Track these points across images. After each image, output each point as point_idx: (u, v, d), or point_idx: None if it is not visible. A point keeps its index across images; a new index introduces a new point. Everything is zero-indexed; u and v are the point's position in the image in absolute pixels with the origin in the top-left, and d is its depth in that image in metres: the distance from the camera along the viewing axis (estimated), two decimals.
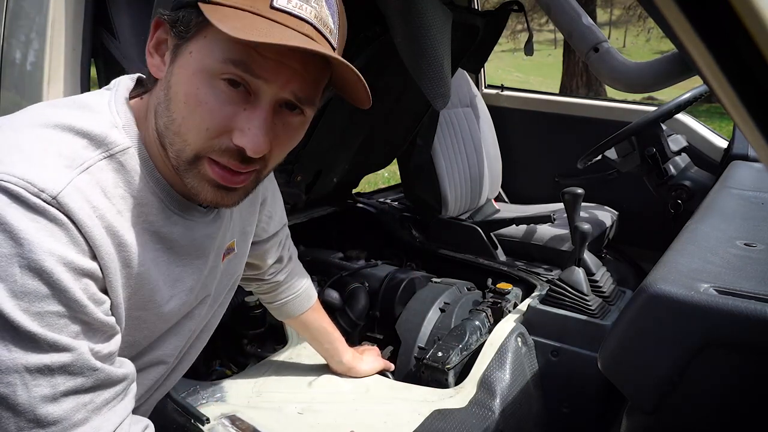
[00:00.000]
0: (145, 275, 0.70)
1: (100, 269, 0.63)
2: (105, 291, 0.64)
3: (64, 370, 0.59)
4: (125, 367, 0.68)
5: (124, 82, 0.73)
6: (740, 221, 1.17)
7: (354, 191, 2.42)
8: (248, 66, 0.61)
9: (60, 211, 0.58)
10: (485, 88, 2.76)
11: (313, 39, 0.63)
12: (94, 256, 0.62)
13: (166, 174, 0.70)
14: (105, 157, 0.64)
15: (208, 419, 1.05)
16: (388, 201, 2.45)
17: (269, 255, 1.11)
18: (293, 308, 1.22)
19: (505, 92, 2.68)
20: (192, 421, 1.04)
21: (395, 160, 2.27)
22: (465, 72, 2.39)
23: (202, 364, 1.49)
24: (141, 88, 0.73)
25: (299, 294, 1.22)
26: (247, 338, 1.56)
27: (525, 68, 19.19)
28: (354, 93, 0.70)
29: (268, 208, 1.02)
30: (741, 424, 0.82)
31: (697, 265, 0.93)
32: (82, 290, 0.59)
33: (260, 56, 0.61)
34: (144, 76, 0.74)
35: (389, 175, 4.83)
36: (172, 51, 0.65)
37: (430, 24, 1.24)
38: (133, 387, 0.70)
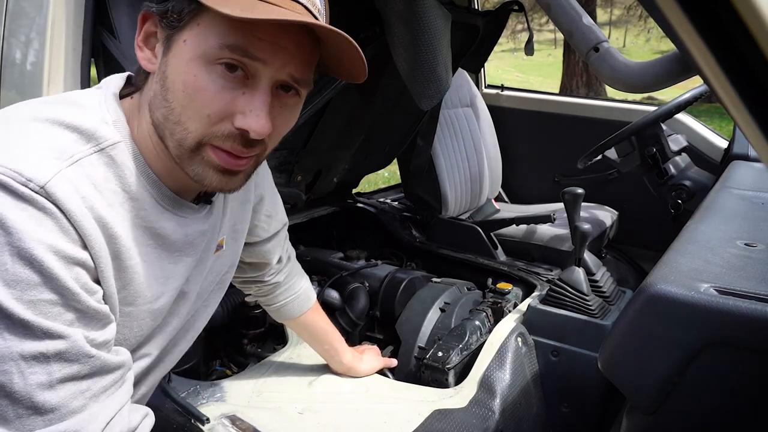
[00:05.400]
0: (135, 269, 0.69)
1: (92, 259, 0.62)
2: (97, 281, 0.64)
3: (59, 357, 0.59)
4: (121, 354, 0.68)
5: (114, 81, 0.73)
6: (740, 221, 1.17)
7: (354, 191, 2.42)
8: (245, 50, 0.62)
9: (48, 200, 0.58)
10: (485, 88, 2.76)
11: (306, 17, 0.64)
12: (85, 246, 0.61)
13: (158, 170, 0.70)
14: (95, 152, 0.64)
15: (208, 419, 1.05)
16: (388, 201, 2.44)
17: (273, 254, 1.10)
18: (293, 310, 1.22)
19: (505, 92, 2.68)
20: (192, 421, 1.04)
21: (395, 160, 2.27)
22: (465, 72, 2.39)
23: (202, 364, 1.49)
24: (131, 87, 0.73)
25: (298, 295, 1.21)
26: (247, 338, 1.56)
27: (525, 68, 19.19)
28: (349, 66, 0.70)
29: (267, 207, 1.02)
30: (741, 424, 0.82)
31: (698, 265, 0.93)
32: (73, 279, 0.59)
33: (257, 39, 0.62)
34: (133, 75, 0.74)
35: (389, 175, 4.83)
36: (164, 42, 0.66)
37: (427, 26, 1.24)
38: (131, 375, 0.70)
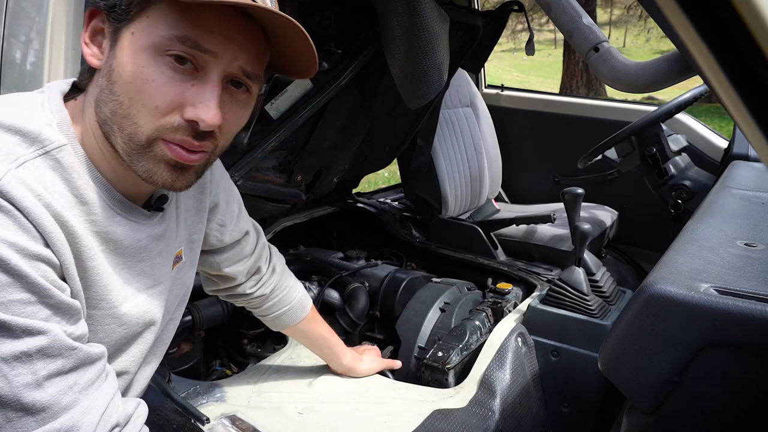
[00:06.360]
0: (97, 271, 0.68)
1: (55, 256, 0.61)
2: (63, 279, 0.63)
3: (42, 353, 0.58)
4: (98, 346, 0.67)
5: (57, 85, 0.71)
6: (740, 221, 1.17)
7: (354, 191, 2.42)
8: (196, 42, 0.61)
9: (3, 198, 0.56)
10: (485, 88, 2.76)
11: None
12: (47, 244, 0.60)
13: (106, 173, 0.69)
14: (40, 155, 0.62)
15: (208, 419, 1.05)
16: (388, 201, 2.45)
17: (229, 266, 1.04)
18: (287, 320, 1.19)
19: (505, 92, 2.69)
20: (192, 421, 1.04)
21: (395, 160, 2.27)
22: (465, 72, 2.39)
23: (202, 364, 1.49)
24: (76, 92, 0.71)
25: (291, 306, 1.17)
26: (247, 338, 1.56)
27: (525, 68, 19.19)
28: (298, 59, 0.69)
29: (219, 216, 0.97)
30: (741, 424, 0.82)
31: (698, 265, 0.93)
32: (41, 276, 0.58)
33: (207, 31, 0.61)
34: (77, 80, 0.72)
35: (389, 175, 4.83)
36: (111, 36, 0.64)
37: (424, 29, 1.25)
38: (111, 368, 0.69)
